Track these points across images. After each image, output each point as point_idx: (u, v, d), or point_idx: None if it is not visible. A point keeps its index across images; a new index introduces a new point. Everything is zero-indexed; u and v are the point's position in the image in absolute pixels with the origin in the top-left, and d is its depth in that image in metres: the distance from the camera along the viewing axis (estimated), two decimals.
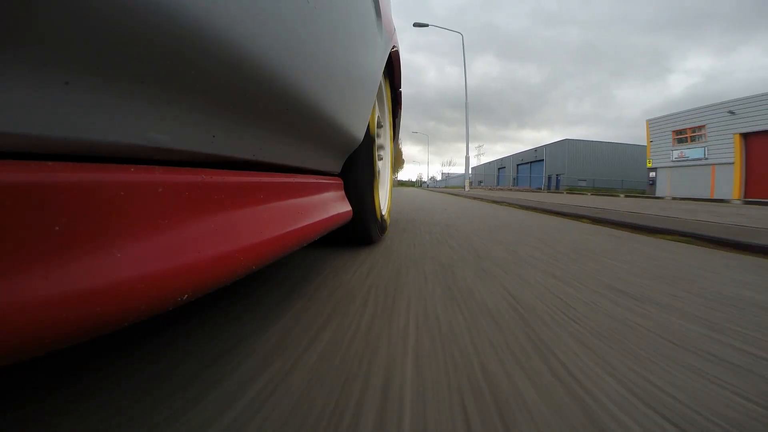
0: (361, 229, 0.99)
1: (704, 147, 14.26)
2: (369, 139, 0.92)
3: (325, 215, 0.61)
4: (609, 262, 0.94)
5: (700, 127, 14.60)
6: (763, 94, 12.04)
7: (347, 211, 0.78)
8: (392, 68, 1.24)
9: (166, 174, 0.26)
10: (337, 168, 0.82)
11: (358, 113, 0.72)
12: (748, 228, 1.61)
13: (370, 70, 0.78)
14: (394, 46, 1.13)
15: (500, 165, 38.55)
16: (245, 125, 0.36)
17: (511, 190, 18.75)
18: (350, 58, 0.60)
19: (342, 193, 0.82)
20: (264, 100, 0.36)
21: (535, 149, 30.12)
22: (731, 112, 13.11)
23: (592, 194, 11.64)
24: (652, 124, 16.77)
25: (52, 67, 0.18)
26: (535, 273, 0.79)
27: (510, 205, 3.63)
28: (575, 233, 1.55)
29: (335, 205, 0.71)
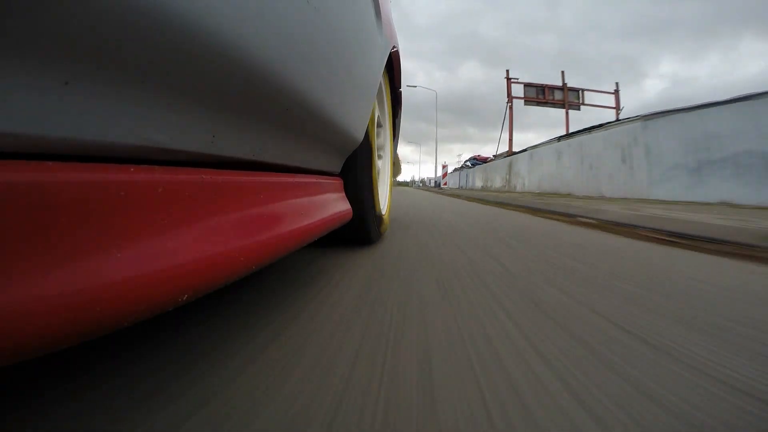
0: (361, 229, 0.99)
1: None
2: (369, 139, 0.92)
3: (325, 215, 0.61)
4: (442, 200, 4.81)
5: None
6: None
7: (347, 211, 0.78)
8: (392, 68, 1.24)
9: (166, 174, 0.26)
10: (337, 168, 0.82)
11: (357, 113, 0.72)
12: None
13: (370, 70, 0.78)
14: (394, 46, 1.13)
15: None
16: (245, 125, 0.36)
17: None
18: (350, 59, 0.60)
19: (342, 193, 0.82)
20: (264, 100, 0.36)
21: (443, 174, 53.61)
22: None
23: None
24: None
25: (52, 67, 0.18)
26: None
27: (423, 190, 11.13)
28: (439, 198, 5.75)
29: (335, 204, 0.71)
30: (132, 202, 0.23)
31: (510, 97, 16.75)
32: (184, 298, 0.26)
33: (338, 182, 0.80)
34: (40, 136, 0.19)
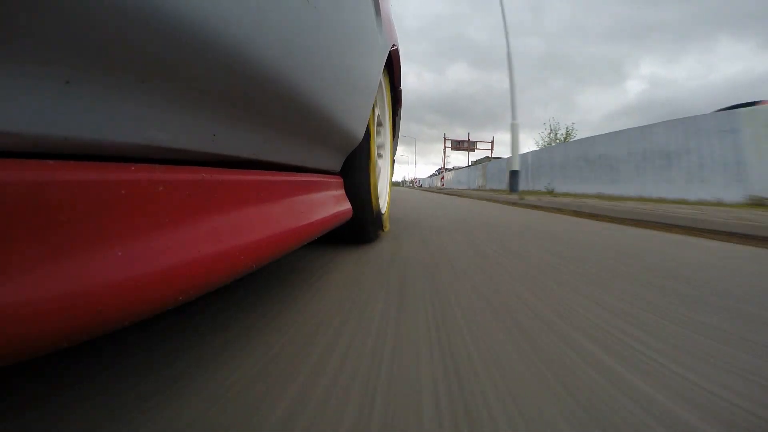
0: (359, 228, 0.99)
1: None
2: (369, 137, 0.92)
3: (326, 214, 0.61)
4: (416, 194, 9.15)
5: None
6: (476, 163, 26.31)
7: (347, 210, 0.78)
8: (392, 66, 1.24)
9: (167, 173, 0.26)
10: (337, 166, 0.82)
11: (357, 112, 0.71)
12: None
13: (370, 68, 0.78)
14: (393, 45, 1.12)
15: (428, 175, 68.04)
16: (246, 124, 0.36)
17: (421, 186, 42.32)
18: (350, 57, 0.59)
19: (342, 191, 0.82)
20: (264, 99, 0.36)
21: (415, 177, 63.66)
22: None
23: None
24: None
25: (52, 67, 0.18)
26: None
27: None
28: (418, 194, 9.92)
29: (335, 203, 0.70)
30: (133, 201, 0.23)
31: (444, 147, 36.44)
32: (185, 297, 0.26)
33: (338, 181, 0.79)
34: (41, 136, 0.18)
